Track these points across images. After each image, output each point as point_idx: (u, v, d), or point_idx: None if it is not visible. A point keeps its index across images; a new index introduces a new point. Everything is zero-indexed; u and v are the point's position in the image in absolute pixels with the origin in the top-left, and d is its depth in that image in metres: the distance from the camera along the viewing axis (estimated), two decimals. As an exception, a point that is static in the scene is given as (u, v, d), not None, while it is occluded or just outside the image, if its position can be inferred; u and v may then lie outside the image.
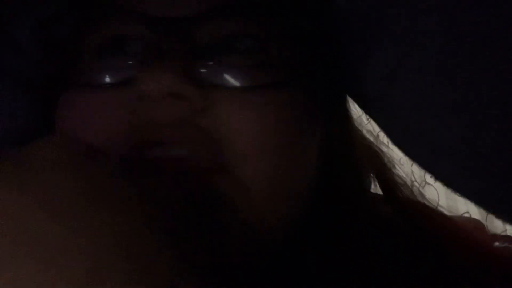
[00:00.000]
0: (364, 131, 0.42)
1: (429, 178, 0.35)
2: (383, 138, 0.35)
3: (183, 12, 0.30)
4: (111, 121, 0.30)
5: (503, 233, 0.41)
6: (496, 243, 0.38)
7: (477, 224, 0.45)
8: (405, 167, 0.39)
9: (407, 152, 0.29)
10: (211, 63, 0.30)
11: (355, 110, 0.38)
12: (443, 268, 0.33)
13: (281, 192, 0.31)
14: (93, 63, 0.33)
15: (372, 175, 0.40)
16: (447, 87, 0.23)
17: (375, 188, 0.40)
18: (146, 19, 0.31)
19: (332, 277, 0.31)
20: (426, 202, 0.40)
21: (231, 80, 0.30)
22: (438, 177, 0.27)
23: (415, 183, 0.42)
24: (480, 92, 0.22)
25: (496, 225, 0.46)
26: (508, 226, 0.49)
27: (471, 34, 0.22)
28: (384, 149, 0.41)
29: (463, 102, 0.23)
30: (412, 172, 0.40)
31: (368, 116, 0.33)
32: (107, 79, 0.31)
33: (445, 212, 0.40)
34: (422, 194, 0.40)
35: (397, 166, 0.40)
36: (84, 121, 0.31)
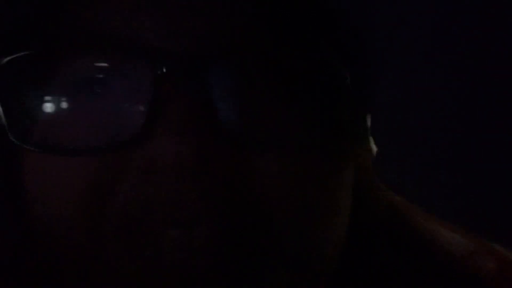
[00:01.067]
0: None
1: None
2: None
3: (202, 47, 0.23)
4: (105, 193, 0.23)
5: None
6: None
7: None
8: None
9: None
10: (241, 114, 0.24)
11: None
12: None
13: (318, 247, 0.26)
14: (62, 116, 0.24)
15: None
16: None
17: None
18: (150, 54, 0.23)
19: None
20: None
21: (266, 138, 0.24)
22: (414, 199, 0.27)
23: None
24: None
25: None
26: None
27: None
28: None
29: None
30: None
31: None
32: (85, 142, 0.23)
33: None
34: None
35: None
36: (65, 192, 0.23)
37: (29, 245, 0.26)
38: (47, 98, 0.24)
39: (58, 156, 0.24)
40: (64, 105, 0.24)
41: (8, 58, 0.24)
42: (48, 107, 0.24)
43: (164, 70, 0.22)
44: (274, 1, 0.25)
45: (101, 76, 0.23)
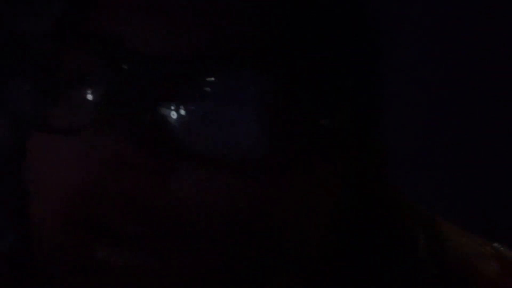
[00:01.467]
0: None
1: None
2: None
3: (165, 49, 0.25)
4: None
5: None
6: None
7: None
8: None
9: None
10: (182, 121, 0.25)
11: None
12: None
13: None
14: (60, 101, 0.27)
15: None
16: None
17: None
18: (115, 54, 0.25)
19: None
20: None
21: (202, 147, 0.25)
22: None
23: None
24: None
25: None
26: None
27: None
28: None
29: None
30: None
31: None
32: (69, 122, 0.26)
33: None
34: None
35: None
36: (53, 171, 0.26)
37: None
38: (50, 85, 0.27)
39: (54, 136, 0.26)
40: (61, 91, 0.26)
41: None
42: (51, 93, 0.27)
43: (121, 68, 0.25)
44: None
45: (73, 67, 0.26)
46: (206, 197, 0.25)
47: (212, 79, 0.25)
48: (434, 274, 0.34)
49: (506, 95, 0.22)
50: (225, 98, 0.26)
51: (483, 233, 0.26)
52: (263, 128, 0.26)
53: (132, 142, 0.24)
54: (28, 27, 0.28)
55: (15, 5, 0.28)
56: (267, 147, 0.26)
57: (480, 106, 0.23)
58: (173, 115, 0.25)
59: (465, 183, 0.24)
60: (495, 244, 0.33)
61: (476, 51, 0.22)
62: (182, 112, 0.25)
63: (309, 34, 0.27)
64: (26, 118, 0.28)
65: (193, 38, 0.25)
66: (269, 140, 0.26)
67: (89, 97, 0.26)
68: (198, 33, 0.25)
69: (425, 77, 0.24)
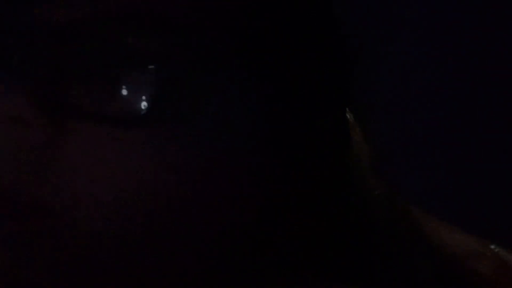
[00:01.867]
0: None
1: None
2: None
3: (58, 17, 0.25)
4: None
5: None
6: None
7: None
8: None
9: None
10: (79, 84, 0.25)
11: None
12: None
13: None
14: None
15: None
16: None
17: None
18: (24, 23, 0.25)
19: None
20: None
21: (95, 109, 0.25)
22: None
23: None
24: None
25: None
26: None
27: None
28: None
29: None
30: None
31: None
32: None
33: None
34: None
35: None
36: None
37: None
38: None
39: None
40: None
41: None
42: None
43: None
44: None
45: None
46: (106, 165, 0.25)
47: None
48: (429, 274, 0.34)
49: (506, 95, 0.22)
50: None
51: (481, 234, 0.26)
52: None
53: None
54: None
55: None
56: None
57: (480, 106, 0.23)
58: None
59: (464, 184, 0.24)
60: (493, 246, 0.33)
61: (476, 50, 0.22)
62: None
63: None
64: None
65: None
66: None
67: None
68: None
69: (422, 75, 0.24)
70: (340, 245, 0.33)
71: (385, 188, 0.38)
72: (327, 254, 0.33)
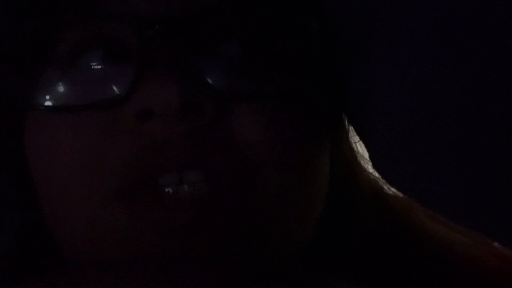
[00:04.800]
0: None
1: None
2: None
3: (181, 11, 0.26)
4: (105, 148, 0.26)
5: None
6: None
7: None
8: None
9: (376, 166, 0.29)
10: (219, 68, 0.27)
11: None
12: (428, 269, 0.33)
13: (298, 204, 0.29)
14: (63, 78, 0.27)
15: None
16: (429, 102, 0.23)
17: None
18: (137, 20, 0.26)
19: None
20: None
21: (242, 88, 0.27)
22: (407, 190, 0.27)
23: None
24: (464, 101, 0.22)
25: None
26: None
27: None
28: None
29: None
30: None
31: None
32: (86, 98, 0.26)
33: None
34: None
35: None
36: (66, 151, 0.26)
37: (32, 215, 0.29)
38: (47, 62, 0.28)
39: (57, 115, 0.27)
40: (63, 68, 0.27)
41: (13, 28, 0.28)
42: (49, 70, 0.28)
43: (150, 32, 0.26)
44: None
45: (93, 41, 0.27)
46: None
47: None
48: (431, 272, 0.34)
49: (506, 95, 0.23)
50: None
51: (483, 231, 0.26)
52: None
53: None
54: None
55: None
56: None
57: (480, 105, 0.23)
58: None
59: (467, 181, 0.24)
60: (496, 244, 0.33)
61: (476, 49, 0.22)
62: None
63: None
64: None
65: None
66: None
67: None
68: None
69: (422, 75, 0.24)
70: (337, 243, 0.34)
71: (379, 188, 0.38)
72: (324, 251, 0.33)
